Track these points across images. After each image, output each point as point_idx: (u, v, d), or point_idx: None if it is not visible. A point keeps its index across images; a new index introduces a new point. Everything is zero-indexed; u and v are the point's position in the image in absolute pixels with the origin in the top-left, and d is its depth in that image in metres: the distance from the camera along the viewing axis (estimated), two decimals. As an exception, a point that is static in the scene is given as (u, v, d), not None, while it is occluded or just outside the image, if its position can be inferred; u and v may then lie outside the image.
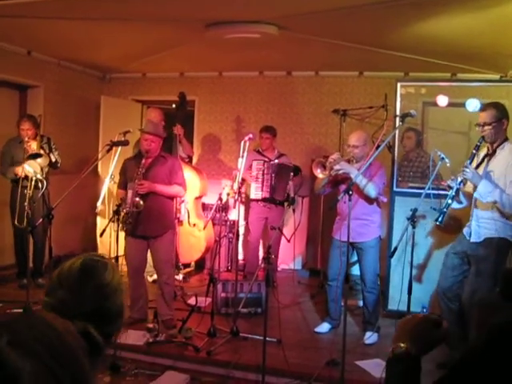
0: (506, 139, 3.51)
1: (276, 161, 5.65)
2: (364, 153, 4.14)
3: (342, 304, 4.32)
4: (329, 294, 4.36)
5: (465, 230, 3.69)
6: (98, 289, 1.15)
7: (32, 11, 4.22)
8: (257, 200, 5.68)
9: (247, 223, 5.93)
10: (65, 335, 0.63)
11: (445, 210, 3.50)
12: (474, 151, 3.51)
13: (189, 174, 5.59)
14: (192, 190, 5.72)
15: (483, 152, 3.62)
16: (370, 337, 4.18)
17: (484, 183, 3.34)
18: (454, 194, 3.50)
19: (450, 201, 3.51)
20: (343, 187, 4.15)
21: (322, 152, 6.15)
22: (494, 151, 3.51)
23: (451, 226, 4.10)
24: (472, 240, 3.57)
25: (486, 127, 3.44)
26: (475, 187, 3.41)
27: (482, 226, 3.52)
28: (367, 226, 4.16)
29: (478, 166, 3.57)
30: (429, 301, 4.39)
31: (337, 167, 3.98)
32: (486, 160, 3.57)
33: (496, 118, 3.42)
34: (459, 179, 3.46)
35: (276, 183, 5.56)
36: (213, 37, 4.78)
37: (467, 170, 3.37)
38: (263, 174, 5.62)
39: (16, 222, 5.18)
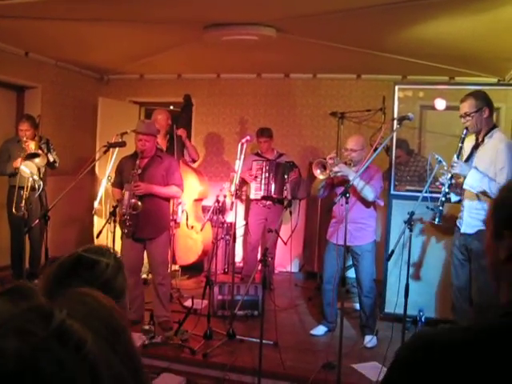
0: (493, 127, 3.46)
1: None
2: (361, 157, 4.15)
3: (338, 307, 4.32)
4: (324, 297, 4.36)
5: (458, 222, 3.64)
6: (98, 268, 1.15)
7: (30, 12, 4.21)
8: (256, 200, 5.68)
9: (247, 224, 5.93)
10: (114, 311, 0.67)
11: (441, 208, 3.48)
12: (460, 144, 3.47)
13: (188, 176, 5.58)
14: (191, 192, 5.70)
15: (472, 142, 3.58)
16: (371, 340, 4.17)
17: (472, 173, 3.30)
18: (446, 190, 3.48)
19: (443, 198, 3.49)
20: (340, 190, 4.15)
21: (319, 154, 6.14)
22: (483, 140, 3.47)
23: (445, 224, 4.07)
24: (463, 231, 3.52)
25: (468, 118, 3.41)
26: (464, 179, 3.37)
27: (473, 217, 3.45)
28: (363, 230, 4.15)
29: (468, 158, 3.53)
30: (427, 303, 4.38)
31: (335, 169, 3.98)
32: (475, 150, 3.53)
33: (476, 107, 3.38)
34: (449, 175, 3.45)
35: (273, 181, 5.57)
36: (211, 39, 4.78)
37: (455, 164, 3.36)
38: (262, 173, 5.63)
39: (12, 223, 5.16)
